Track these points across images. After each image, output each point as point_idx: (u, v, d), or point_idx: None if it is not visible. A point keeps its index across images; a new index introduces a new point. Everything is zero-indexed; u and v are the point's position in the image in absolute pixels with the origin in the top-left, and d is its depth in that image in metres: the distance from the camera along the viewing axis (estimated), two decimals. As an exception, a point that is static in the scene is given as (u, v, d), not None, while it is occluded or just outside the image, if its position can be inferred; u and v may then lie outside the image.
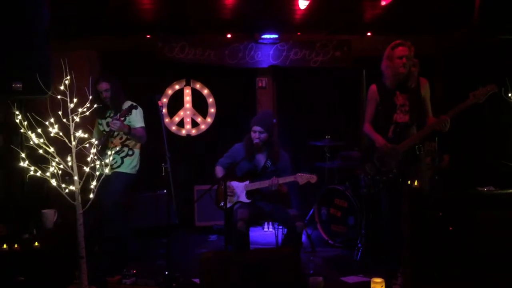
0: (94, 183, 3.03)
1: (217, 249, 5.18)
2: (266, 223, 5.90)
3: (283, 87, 6.43)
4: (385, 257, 4.35)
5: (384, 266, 4.14)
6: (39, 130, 2.98)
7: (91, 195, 3.04)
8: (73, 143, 2.98)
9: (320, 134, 5.71)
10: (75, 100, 2.97)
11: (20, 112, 3.02)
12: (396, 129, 4.07)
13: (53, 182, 2.96)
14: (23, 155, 3.03)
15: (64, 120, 2.97)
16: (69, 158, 2.98)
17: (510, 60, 4.74)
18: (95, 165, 3.03)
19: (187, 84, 6.34)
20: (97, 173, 3.04)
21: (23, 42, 3.46)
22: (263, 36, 6.01)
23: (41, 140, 2.95)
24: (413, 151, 4.02)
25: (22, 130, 2.98)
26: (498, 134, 5.21)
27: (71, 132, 2.98)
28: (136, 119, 4.53)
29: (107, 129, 4.50)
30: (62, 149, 3.03)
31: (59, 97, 2.96)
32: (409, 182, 3.47)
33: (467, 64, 5.67)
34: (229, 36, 6.10)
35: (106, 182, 4.40)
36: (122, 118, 4.31)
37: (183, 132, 6.32)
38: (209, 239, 5.65)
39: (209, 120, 6.37)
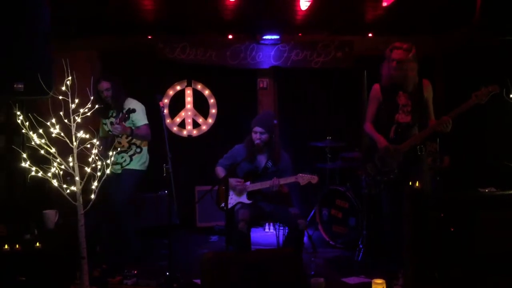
0: (96, 183, 3.03)
1: (218, 250, 5.18)
2: (267, 224, 5.90)
3: (284, 88, 6.43)
4: (386, 258, 4.35)
5: (385, 267, 4.14)
6: (40, 131, 2.98)
7: (93, 196, 3.05)
8: (75, 143, 2.99)
9: (321, 135, 5.71)
10: (76, 100, 2.97)
11: (22, 113, 3.03)
12: (398, 129, 4.06)
13: (55, 182, 2.96)
14: (24, 155, 3.03)
15: (66, 120, 2.98)
16: (70, 159, 2.99)
17: (510, 60, 4.73)
18: (96, 166, 3.03)
19: (188, 84, 6.34)
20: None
21: (24, 42, 3.47)
22: (265, 37, 6.01)
23: (43, 141, 2.96)
24: (415, 151, 4.01)
25: (23, 131, 2.98)
26: (499, 135, 5.20)
27: (73, 133, 2.98)
28: (138, 117, 4.55)
29: (115, 121, 4.51)
30: (64, 150, 3.04)
31: (60, 97, 2.97)
32: (410, 183, 3.47)
33: (467, 64, 5.66)
34: (230, 37, 6.11)
35: (116, 180, 4.52)
36: (123, 122, 4.34)
37: (184, 132, 6.32)
38: (210, 240, 5.65)
39: (210, 120, 6.37)
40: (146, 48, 5.97)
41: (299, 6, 5.09)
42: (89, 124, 3.24)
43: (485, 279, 2.71)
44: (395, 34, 5.47)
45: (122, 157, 4.61)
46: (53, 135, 2.97)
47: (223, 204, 4.22)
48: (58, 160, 2.98)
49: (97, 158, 3.03)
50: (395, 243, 4.02)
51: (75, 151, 3.00)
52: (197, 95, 6.35)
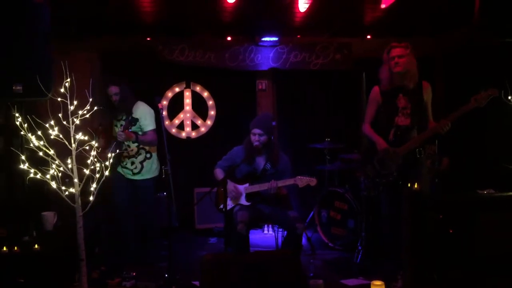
0: (94, 185, 3.03)
1: (217, 252, 5.17)
2: (266, 225, 5.89)
3: (283, 89, 6.43)
4: (385, 259, 4.35)
5: (384, 268, 4.14)
6: (39, 132, 2.98)
7: (91, 198, 3.05)
8: (73, 145, 2.99)
9: (320, 136, 5.71)
10: (75, 102, 2.97)
11: (20, 114, 3.03)
12: (397, 132, 4.07)
13: (53, 184, 2.96)
14: (23, 157, 3.03)
15: (64, 122, 2.98)
16: (69, 161, 2.99)
17: (509, 62, 4.74)
18: (95, 168, 3.03)
19: (187, 86, 6.34)
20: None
21: (23, 43, 3.46)
22: (263, 39, 6.02)
23: (41, 143, 2.95)
24: (414, 154, 4.02)
25: (22, 132, 2.98)
26: (498, 137, 5.20)
27: (71, 135, 2.98)
28: (146, 122, 4.57)
29: (119, 129, 4.56)
30: (62, 152, 3.03)
31: (59, 99, 2.97)
32: (409, 185, 3.47)
33: (467, 65, 5.67)
34: (229, 38, 6.11)
35: (129, 187, 4.64)
36: (127, 129, 4.40)
37: (183, 134, 6.32)
38: (209, 242, 5.65)
39: (209, 122, 6.37)
40: (145, 50, 5.97)
41: (298, 8, 5.09)
42: (87, 126, 3.24)
43: (485, 280, 2.71)
44: (394, 35, 5.46)
45: (133, 163, 4.65)
46: (52, 137, 2.97)
47: (222, 206, 4.23)
48: (56, 162, 2.97)
49: (95, 160, 3.03)
50: (394, 245, 4.02)
51: (73, 153, 3.00)
52: (196, 96, 6.35)
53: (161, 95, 6.12)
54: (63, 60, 3.06)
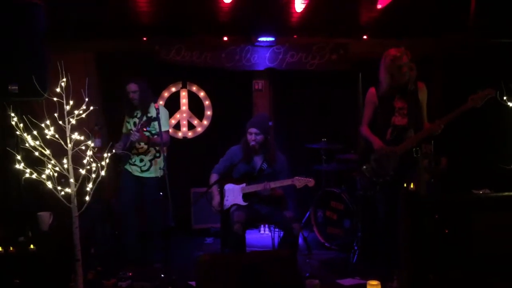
0: (90, 185, 3.02)
1: (214, 252, 5.17)
2: (262, 225, 5.89)
3: (280, 89, 6.43)
4: (381, 259, 4.36)
5: (380, 268, 4.14)
6: (35, 132, 2.97)
7: (87, 198, 3.04)
8: (69, 145, 2.98)
9: (316, 136, 5.72)
10: (71, 102, 2.96)
11: (16, 114, 3.02)
12: (394, 132, 4.08)
13: (49, 184, 2.95)
14: (18, 157, 3.02)
15: (60, 122, 2.97)
16: (65, 161, 2.98)
17: (505, 63, 4.76)
18: (91, 168, 3.02)
19: (184, 86, 6.33)
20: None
21: (19, 43, 3.45)
22: (260, 39, 6.01)
23: (37, 142, 2.95)
24: (410, 153, 4.03)
25: (18, 132, 2.97)
26: (495, 137, 5.23)
27: (67, 134, 2.97)
28: (161, 123, 4.56)
29: (134, 128, 4.57)
30: (58, 152, 3.03)
31: (55, 99, 2.96)
32: (405, 185, 3.48)
33: (465, 66, 5.68)
34: (225, 38, 6.11)
35: (139, 187, 4.68)
36: (143, 129, 4.44)
37: (180, 134, 6.31)
38: (206, 242, 5.65)
39: (205, 122, 6.36)
40: (142, 50, 5.96)
41: (294, 8, 5.09)
42: (83, 126, 3.23)
43: (481, 281, 2.72)
44: (390, 36, 5.48)
45: (142, 160, 4.67)
46: (48, 136, 2.96)
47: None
48: (52, 162, 2.97)
49: (91, 160, 3.02)
50: (390, 244, 4.03)
51: (69, 153, 2.99)
52: (192, 97, 6.34)
53: (158, 95, 6.11)
54: (59, 60, 3.05)
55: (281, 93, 6.44)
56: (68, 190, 3.00)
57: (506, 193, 2.89)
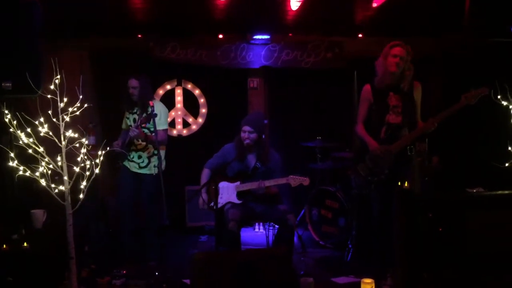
0: (84, 183, 3.01)
1: (208, 250, 5.17)
2: (257, 223, 5.90)
3: (275, 87, 6.43)
4: (375, 258, 4.37)
5: (374, 267, 4.15)
6: (28, 130, 2.96)
7: (81, 195, 3.03)
8: (63, 142, 2.97)
9: (311, 135, 5.72)
10: (65, 99, 2.95)
11: (10, 111, 3.01)
12: (388, 129, 4.09)
13: (43, 182, 2.94)
14: (12, 154, 3.01)
15: (54, 119, 2.96)
16: (59, 158, 2.97)
17: (500, 62, 4.78)
18: (85, 165, 3.01)
19: (178, 84, 6.32)
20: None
21: (13, 40, 3.43)
22: (255, 37, 6.00)
23: (31, 140, 2.93)
24: (405, 152, 4.04)
25: (11, 130, 2.96)
26: (489, 136, 5.25)
27: (61, 132, 2.96)
28: (159, 122, 4.56)
29: (134, 125, 4.59)
30: (52, 149, 3.01)
31: (49, 96, 2.95)
32: (399, 183, 3.49)
33: (463, 66, 5.69)
34: (221, 36, 6.09)
35: (137, 184, 4.67)
36: (142, 126, 4.43)
37: (174, 132, 6.30)
38: (200, 240, 5.64)
39: (200, 120, 6.35)
40: (136, 48, 5.94)
41: (290, 6, 5.09)
42: (77, 123, 3.22)
43: (475, 279, 2.73)
44: (386, 35, 5.48)
45: (140, 156, 4.67)
46: (42, 134, 2.95)
47: (212, 204, 4.22)
48: (46, 159, 2.95)
49: (85, 157, 3.01)
50: (384, 243, 4.04)
51: (63, 150, 2.98)
52: (187, 94, 6.33)
53: (152, 92, 6.09)
54: (53, 57, 3.03)
55: (276, 91, 6.43)
56: (62, 187, 2.99)
57: (500, 192, 2.90)
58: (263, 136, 4.40)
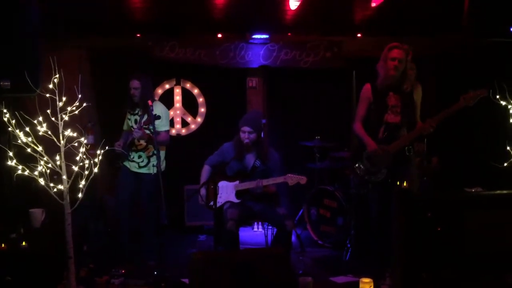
0: (83, 182, 3.01)
1: (207, 249, 5.17)
2: (255, 223, 5.90)
3: (274, 87, 6.43)
4: (373, 257, 4.37)
5: (372, 266, 4.16)
6: (27, 129, 2.96)
7: (80, 195, 3.03)
8: (62, 142, 2.96)
9: (310, 134, 5.72)
10: (64, 98, 2.95)
11: (8, 110, 3.00)
12: (387, 129, 4.09)
13: (41, 181, 2.94)
14: (10, 153, 3.00)
15: (53, 118, 2.95)
16: (57, 157, 2.96)
17: (498, 62, 4.78)
18: (84, 164, 3.01)
19: (177, 83, 6.32)
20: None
21: (11, 39, 3.42)
22: (254, 36, 6.00)
23: (29, 139, 2.93)
24: (403, 152, 4.04)
25: (10, 129, 2.95)
26: (487, 136, 5.25)
27: (60, 131, 2.96)
28: (162, 123, 4.57)
29: (135, 126, 4.61)
30: (51, 148, 3.01)
31: (47, 95, 2.94)
32: (398, 183, 3.49)
33: (461, 66, 5.70)
34: (220, 36, 6.09)
35: (137, 184, 4.68)
36: (145, 127, 4.43)
37: (173, 131, 6.29)
38: (199, 239, 5.64)
39: (199, 119, 6.35)
40: (135, 47, 5.93)
41: (289, 5, 5.09)
42: (76, 123, 3.21)
43: (474, 279, 2.73)
44: (384, 34, 5.48)
45: (140, 156, 4.68)
46: (40, 133, 2.95)
47: (211, 203, 4.22)
48: (45, 158, 2.95)
49: (84, 156, 3.01)
50: (382, 242, 4.04)
51: (62, 149, 2.98)
52: (186, 94, 6.33)
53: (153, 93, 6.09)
54: (52, 56, 3.03)
55: (275, 90, 6.44)
56: (60, 187, 2.99)
57: (498, 191, 2.91)
58: (262, 135, 4.40)
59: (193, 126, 6.35)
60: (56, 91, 2.92)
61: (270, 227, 4.60)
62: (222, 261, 3.29)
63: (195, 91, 6.33)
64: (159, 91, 6.24)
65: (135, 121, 4.65)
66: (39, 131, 2.94)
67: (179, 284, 3.97)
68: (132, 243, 4.73)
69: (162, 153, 4.73)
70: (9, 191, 3.99)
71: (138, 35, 5.98)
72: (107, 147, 3.27)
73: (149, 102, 4.33)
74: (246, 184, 4.28)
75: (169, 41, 5.90)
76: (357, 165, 4.20)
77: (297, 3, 4.98)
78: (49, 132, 2.94)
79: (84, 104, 3.08)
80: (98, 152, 3.18)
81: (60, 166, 2.98)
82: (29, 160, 2.97)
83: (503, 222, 2.79)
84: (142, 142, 4.63)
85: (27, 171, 2.95)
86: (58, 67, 2.96)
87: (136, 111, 4.68)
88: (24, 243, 3.54)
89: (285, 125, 6.42)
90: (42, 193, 3.10)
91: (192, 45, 5.96)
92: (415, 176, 4.32)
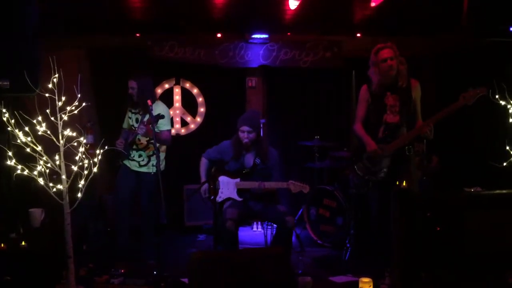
0: (82, 182, 3.01)
1: (206, 249, 5.17)
2: (255, 223, 5.90)
3: (273, 87, 6.43)
4: (373, 257, 4.37)
5: (372, 266, 4.16)
6: (26, 128, 2.95)
7: (79, 194, 3.02)
8: (61, 141, 2.96)
9: (309, 134, 5.72)
10: (63, 98, 2.95)
11: (7, 110, 3.00)
12: (386, 129, 4.09)
13: (41, 181, 2.93)
14: (10, 153, 3.00)
15: (52, 118, 2.95)
16: (57, 157, 2.96)
17: (498, 62, 4.78)
18: (83, 164, 3.01)
19: (177, 83, 6.31)
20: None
21: (11, 39, 3.42)
22: (253, 36, 6.00)
23: (29, 139, 2.93)
24: (403, 151, 4.04)
25: (9, 128, 2.95)
26: (486, 135, 5.25)
27: (59, 131, 2.95)
28: (164, 122, 4.57)
29: (136, 125, 4.61)
30: (50, 148, 3.01)
31: (47, 95, 2.94)
32: (397, 182, 3.49)
33: (459, 65, 5.70)
34: (219, 35, 6.09)
35: (136, 183, 4.68)
36: (150, 126, 4.38)
37: (173, 131, 6.28)
38: (198, 239, 5.64)
39: (198, 119, 6.35)
40: (135, 47, 5.94)
41: (288, 5, 5.09)
42: (76, 122, 3.21)
43: (474, 278, 2.74)
44: (384, 34, 5.48)
45: (140, 155, 4.69)
46: (40, 133, 2.95)
47: (213, 197, 4.21)
48: (44, 158, 2.95)
49: (84, 156, 3.00)
50: (382, 242, 4.04)
51: (61, 149, 2.98)
52: (186, 93, 6.33)
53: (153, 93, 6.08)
54: (51, 56, 3.03)
55: (274, 90, 6.44)
56: (60, 186, 2.98)
57: (498, 191, 2.91)
58: (262, 134, 4.41)
59: (192, 126, 6.34)
60: (56, 91, 2.92)
61: (270, 227, 4.60)
62: (222, 261, 3.28)
63: (195, 90, 6.33)
64: (159, 90, 6.23)
65: (136, 120, 4.66)
66: (38, 130, 2.94)
67: (178, 284, 3.97)
68: (131, 243, 4.73)
69: (162, 153, 4.73)
70: (9, 191, 3.99)
71: (138, 34, 5.98)
72: (106, 147, 3.27)
73: (149, 102, 4.33)
74: (247, 183, 4.28)
75: (168, 40, 5.90)
76: (357, 164, 4.20)
77: (297, 3, 4.98)
78: (49, 132, 2.94)
79: (84, 104, 3.07)
80: (98, 151, 3.17)
81: (59, 166, 2.98)
82: (28, 160, 2.97)
83: (502, 222, 2.79)
84: (143, 141, 4.63)
85: (27, 170, 2.95)
86: (58, 66, 2.95)
87: (137, 110, 4.68)
88: (23, 243, 3.54)
89: (285, 125, 6.42)
90: (42, 193, 3.09)
91: (192, 45, 5.96)
92: (415, 175, 4.32)
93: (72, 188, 3.03)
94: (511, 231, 2.78)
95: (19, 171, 2.96)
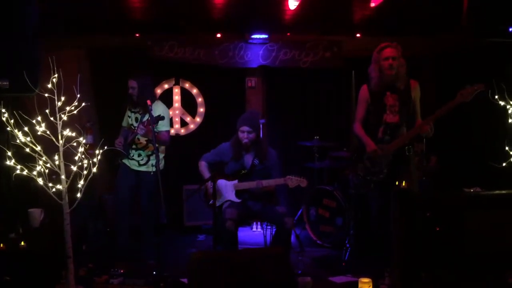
0: (82, 182, 3.01)
1: (206, 249, 5.17)
2: (254, 223, 5.90)
3: (273, 87, 6.43)
4: (373, 257, 4.37)
5: (372, 266, 4.16)
6: (26, 128, 2.95)
7: (79, 194, 3.02)
8: (61, 141, 2.96)
9: (309, 134, 5.72)
10: (62, 98, 2.94)
11: (7, 110, 2.99)
12: (386, 129, 4.09)
13: (40, 181, 2.93)
14: (9, 153, 3.00)
15: (52, 118, 2.95)
16: (56, 157, 2.96)
17: (497, 62, 4.78)
18: (82, 164, 3.00)
19: (176, 83, 6.31)
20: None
21: (10, 39, 3.42)
22: (253, 36, 6.00)
23: (28, 139, 2.92)
24: (403, 151, 4.04)
25: (8, 128, 2.95)
26: (486, 136, 5.25)
27: (59, 131, 2.95)
28: (163, 123, 4.55)
29: (135, 124, 4.61)
30: (49, 148, 3.00)
31: (46, 95, 2.94)
32: (397, 183, 3.49)
33: (458, 65, 5.70)
34: (219, 35, 6.09)
35: (136, 182, 4.69)
36: (150, 126, 4.38)
37: (172, 131, 6.28)
38: (198, 239, 5.64)
39: (198, 119, 6.35)
40: (134, 47, 5.93)
41: (288, 5, 5.09)
42: (75, 122, 3.21)
43: (474, 278, 2.73)
44: (384, 34, 5.48)
45: (140, 154, 4.69)
46: (39, 133, 2.94)
47: (212, 201, 4.22)
48: (43, 158, 2.95)
49: (83, 156, 3.00)
50: (382, 242, 4.04)
51: (61, 149, 2.97)
52: (185, 93, 6.33)
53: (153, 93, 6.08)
54: (51, 56, 3.03)
55: (274, 90, 6.44)
56: (59, 186, 2.98)
57: (497, 191, 2.91)
58: (261, 135, 4.41)
59: (192, 126, 6.34)
60: (55, 91, 2.92)
61: (269, 227, 4.59)
62: (221, 261, 3.28)
63: (194, 91, 6.33)
64: (158, 91, 6.23)
65: (136, 119, 4.65)
66: (37, 130, 2.93)
67: (178, 284, 3.97)
68: (131, 243, 4.73)
69: (161, 153, 4.73)
70: (8, 191, 3.99)
71: (137, 34, 5.98)
72: (106, 147, 3.27)
73: (148, 102, 4.33)
74: (245, 184, 4.28)
75: (168, 40, 5.90)
76: (357, 165, 4.20)
77: (296, 3, 4.98)
78: (48, 132, 2.94)
79: (83, 104, 3.07)
80: (97, 151, 3.17)
81: (59, 166, 2.97)
82: (27, 160, 2.97)
83: (502, 222, 2.79)
84: (142, 140, 4.63)
85: (26, 170, 2.94)
86: (57, 66, 2.95)
87: (137, 109, 4.68)
88: (23, 243, 3.54)
89: (284, 125, 6.42)
90: (41, 193, 3.09)
91: (191, 45, 5.96)
92: (415, 175, 4.32)
93: (72, 188, 3.02)
94: (511, 231, 2.77)
95: (18, 171, 2.95)
